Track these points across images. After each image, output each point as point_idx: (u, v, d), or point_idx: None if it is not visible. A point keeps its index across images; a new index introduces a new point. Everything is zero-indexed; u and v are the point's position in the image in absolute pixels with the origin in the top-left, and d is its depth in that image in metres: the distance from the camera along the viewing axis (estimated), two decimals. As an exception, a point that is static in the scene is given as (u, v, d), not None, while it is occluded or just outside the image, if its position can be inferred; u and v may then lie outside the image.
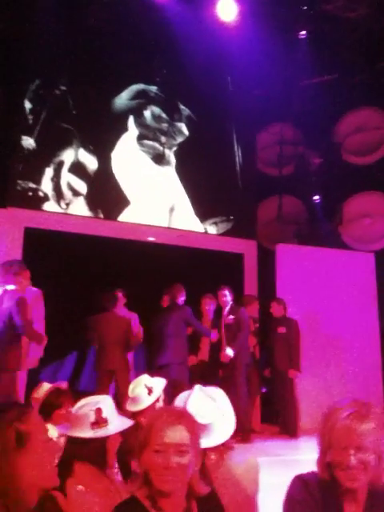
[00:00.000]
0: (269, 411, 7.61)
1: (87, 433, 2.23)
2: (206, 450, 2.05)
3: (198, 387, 2.25)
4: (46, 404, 3.36)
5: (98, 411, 2.27)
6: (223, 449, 2.13)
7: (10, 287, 4.94)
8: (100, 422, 2.25)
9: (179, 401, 2.24)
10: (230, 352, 6.41)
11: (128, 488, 1.70)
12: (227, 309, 6.71)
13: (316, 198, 9.65)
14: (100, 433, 2.23)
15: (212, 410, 2.17)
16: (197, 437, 1.70)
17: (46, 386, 3.52)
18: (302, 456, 5.80)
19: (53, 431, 3.08)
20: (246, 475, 2.11)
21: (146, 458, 1.66)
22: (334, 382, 7.71)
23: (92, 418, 2.25)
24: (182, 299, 6.65)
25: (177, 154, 8.82)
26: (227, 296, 6.73)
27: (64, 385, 3.80)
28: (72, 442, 2.28)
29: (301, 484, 1.77)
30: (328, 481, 1.73)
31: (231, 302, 6.76)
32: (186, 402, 2.17)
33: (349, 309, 8.13)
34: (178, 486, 1.64)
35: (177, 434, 1.65)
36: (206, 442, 2.07)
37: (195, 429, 1.71)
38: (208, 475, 2.03)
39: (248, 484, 2.10)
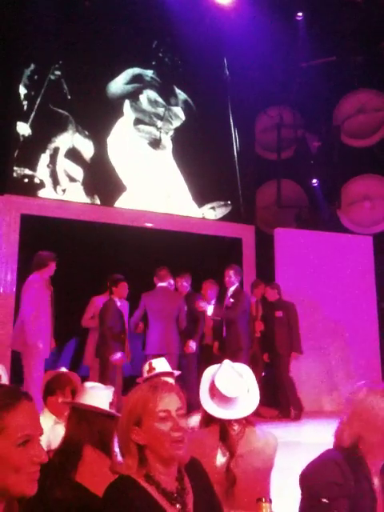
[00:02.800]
0: (269, 395, 7.63)
1: None
2: (230, 421, 2.19)
3: (226, 362, 2.34)
4: (45, 389, 3.30)
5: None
6: (245, 422, 2.23)
7: None
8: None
9: (207, 374, 2.33)
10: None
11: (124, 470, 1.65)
12: (230, 291, 6.64)
13: (314, 181, 9.58)
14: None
15: (239, 384, 2.25)
16: (185, 404, 1.73)
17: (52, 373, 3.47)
18: (303, 438, 5.83)
19: (48, 418, 3.08)
20: (263, 450, 2.20)
21: (148, 429, 1.65)
22: (333, 365, 7.73)
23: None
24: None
25: (173, 139, 8.76)
26: (231, 276, 6.62)
27: (64, 369, 3.77)
28: (78, 424, 2.30)
29: (333, 465, 1.79)
30: (356, 457, 1.81)
31: (236, 284, 6.67)
32: (214, 376, 2.27)
33: (347, 292, 8.13)
34: (185, 450, 1.67)
35: (175, 400, 1.69)
36: (231, 413, 2.20)
37: (183, 396, 1.74)
38: (232, 445, 2.15)
39: (264, 458, 2.19)
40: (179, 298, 6.39)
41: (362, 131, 9.57)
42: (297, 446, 5.15)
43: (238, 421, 2.22)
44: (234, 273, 6.63)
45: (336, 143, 9.55)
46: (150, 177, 8.43)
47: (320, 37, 9.06)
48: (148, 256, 7.56)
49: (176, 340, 6.18)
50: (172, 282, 6.59)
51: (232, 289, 6.64)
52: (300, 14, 9.06)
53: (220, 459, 2.16)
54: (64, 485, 2.17)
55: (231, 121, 9.08)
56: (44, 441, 2.73)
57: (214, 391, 2.25)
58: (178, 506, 1.64)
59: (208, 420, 2.29)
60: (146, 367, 3.48)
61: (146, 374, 3.44)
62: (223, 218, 8.89)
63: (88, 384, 2.47)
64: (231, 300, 6.59)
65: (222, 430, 2.20)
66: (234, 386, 2.24)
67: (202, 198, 8.78)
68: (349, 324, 8.07)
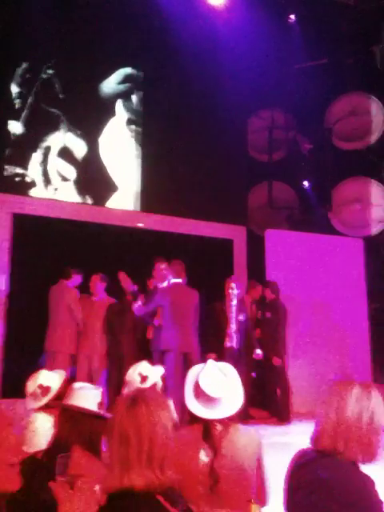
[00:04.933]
0: (259, 396, 7.64)
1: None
2: (213, 421, 2.20)
3: (210, 362, 2.35)
4: (62, 395, 2.96)
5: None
6: (228, 422, 2.23)
7: None
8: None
9: (192, 374, 2.34)
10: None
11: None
12: (235, 304, 6.49)
13: (306, 183, 9.63)
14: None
15: (222, 384, 2.26)
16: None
17: (52, 375, 3.26)
18: (293, 440, 5.83)
19: (46, 420, 3.05)
20: (247, 447, 2.21)
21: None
22: (323, 366, 7.75)
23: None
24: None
25: (165, 139, 8.74)
26: (233, 289, 6.49)
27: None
28: (66, 425, 2.30)
29: (356, 469, 1.72)
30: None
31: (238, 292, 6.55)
32: (198, 376, 2.28)
33: (338, 294, 8.17)
34: None
35: None
36: (215, 413, 2.21)
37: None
38: (215, 444, 2.16)
39: (248, 456, 2.20)
40: (195, 295, 6.24)
41: (354, 134, 9.61)
42: (286, 447, 5.16)
43: (221, 421, 2.23)
44: (236, 285, 6.54)
45: (327, 145, 9.60)
46: (142, 177, 8.42)
47: (312, 39, 9.10)
48: (139, 256, 7.55)
49: (196, 338, 6.09)
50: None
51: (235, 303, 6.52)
52: (292, 16, 9.08)
53: (203, 458, 2.17)
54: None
55: (223, 122, 9.07)
56: (42, 442, 2.73)
57: (198, 391, 2.26)
58: None
59: (192, 419, 2.30)
60: (137, 377, 3.26)
61: (138, 384, 3.24)
62: (215, 219, 8.89)
63: (76, 385, 2.47)
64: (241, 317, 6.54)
65: (205, 429, 2.21)
66: (217, 385, 2.25)
67: (194, 199, 8.77)
68: (339, 326, 8.10)
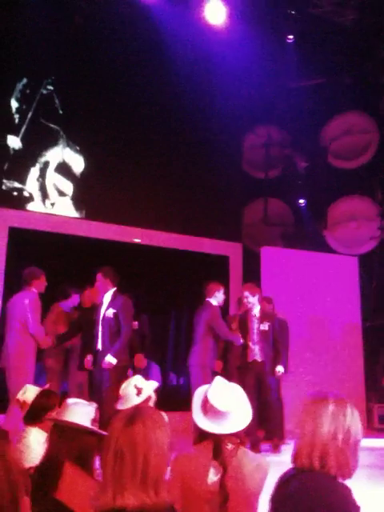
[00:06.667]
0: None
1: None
2: (224, 438, 2.18)
3: (218, 378, 2.35)
4: (38, 407, 3.20)
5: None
6: (239, 442, 2.22)
7: None
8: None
9: (200, 391, 2.35)
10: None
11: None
12: (256, 314, 6.19)
13: (301, 201, 9.71)
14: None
15: (231, 399, 2.26)
16: None
17: (32, 388, 3.34)
18: (286, 458, 5.76)
19: (39, 435, 3.06)
20: (254, 473, 2.19)
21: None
22: (317, 384, 7.74)
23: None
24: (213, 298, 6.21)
25: (162, 155, 8.81)
26: (248, 297, 6.13)
27: (48, 386, 3.74)
28: (59, 441, 2.30)
29: (332, 480, 1.72)
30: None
31: (258, 305, 6.20)
32: (206, 391, 2.28)
33: (332, 311, 8.20)
34: None
35: None
36: (224, 428, 2.19)
37: None
38: (225, 461, 2.14)
39: (255, 481, 2.18)
40: (203, 311, 6.15)
41: (349, 153, 9.70)
42: (279, 465, 5.12)
43: (231, 440, 2.21)
44: (249, 292, 6.15)
45: (322, 164, 9.69)
46: (139, 193, 8.47)
47: (309, 58, 9.22)
48: (135, 272, 7.58)
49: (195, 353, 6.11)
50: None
51: (257, 312, 6.21)
52: (291, 36, 9.21)
53: (212, 477, 2.15)
54: (44, 502, 2.17)
55: (219, 138, 9.16)
56: (35, 457, 2.72)
57: (206, 407, 2.26)
58: None
59: (201, 437, 2.29)
60: (133, 390, 3.30)
61: (136, 397, 3.26)
62: (211, 236, 8.94)
63: (70, 400, 2.48)
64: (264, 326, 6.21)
65: (216, 447, 2.19)
66: (226, 400, 2.25)
67: (190, 215, 8.83)
68: (334, 343, 8.12)
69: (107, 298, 5.62)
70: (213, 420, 2.22)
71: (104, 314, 5.55)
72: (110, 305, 5.55)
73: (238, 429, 2.23)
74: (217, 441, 2.20)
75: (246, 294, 6.11)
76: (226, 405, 2.23)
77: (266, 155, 9.92)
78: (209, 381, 2.43)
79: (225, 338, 6.11)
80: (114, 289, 5.66)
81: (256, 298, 6.11)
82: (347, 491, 1.69)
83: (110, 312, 5.52)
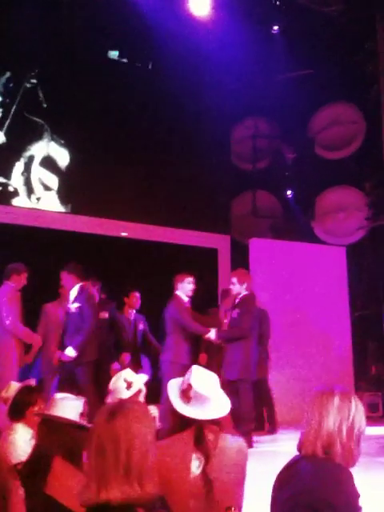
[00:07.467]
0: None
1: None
2: (204, 427, 2.16)
3: (195, 366, 2.35)
4: (18, 402, 3.21)
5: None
6: (218, 430, 2.21)
7: None
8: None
9: (176, 383, 2.33)
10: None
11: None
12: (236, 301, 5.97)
13: (289, 192, 9.71)
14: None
15: (211, 384, 2.28)
16: None
17: (14, 385, 3.38)
18: (279, 448, 5.81)
19: (25, 432, 3.03)
20: (235, 458, 2.19)
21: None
22: (307, 374, 7.77)
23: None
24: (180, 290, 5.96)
25: (149, 148, 8.76)
26: (235, 284, 5.92)
27: (33, 382, 3.72)
28: (47, 435, 2.29)
29: (334, 464, 1.79)
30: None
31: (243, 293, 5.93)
32: (188, 380, 2.27)
33: (321, 301, 8.22)
34: None
35: None
36: (208, 414, 2.18)
37: None
38: (207, 449, 2.13)
39: (236, 468, 2.19)
40: (169, 305, 5.97)
41: (336, 143, 9.71)
42: (273, 456, 5.14)
43: (211, 429, 2.19)
44: (237, 278, 5.94)
45: (310, 155, 9.69)
46: (126, 186, 8.42)
47: (296, 49, 9.20)
48: (123, 266, 7.54)
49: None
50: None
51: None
52: (276, 27, 9.18)
53: (194, 470, 2.11)
54: (34, 497, 2.16)
55: (207, 130, 9.12)
56: (21, 454, 2.70)
57: (188, 394, 2.24)
58: None
59: (181, 427, 2.24)
60: (123, 384, 3.25)
61: (126, 391, 3.20)
62: (199, 228, 8.92)
63: (58, 395, 2.45)
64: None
65: (197, 435, 2.16)
66: (208, 385, 2.25)
67: (178, 208, 8.79)
68: (322, 333, 8.15)
69: (73, 292, 5.65)
70: (196, 406, 2.21)
71: (69, 309, 5.60)
72: (75, 299, 5.59)
73: (221, 414, 2.23)
74: (198, 429, 2.18)
75: (234, 279, 5.96)
76: (208, 390, 2.23)
77: (253, 147, 9.90)
78: (178, 377, 2.42)
79: (190, 331, 5.84)
80: (80, 283, 5.69)
81: (243, 286, 5.93)
82: (350, 477, 1.78)
83: (74, 306, 5.55)
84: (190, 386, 2.25)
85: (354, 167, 9.50)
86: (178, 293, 5.94)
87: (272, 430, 6.68)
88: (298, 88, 9.54)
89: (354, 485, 1.76)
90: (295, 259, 8.30)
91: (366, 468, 4.54)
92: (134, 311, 6.76)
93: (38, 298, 6.72)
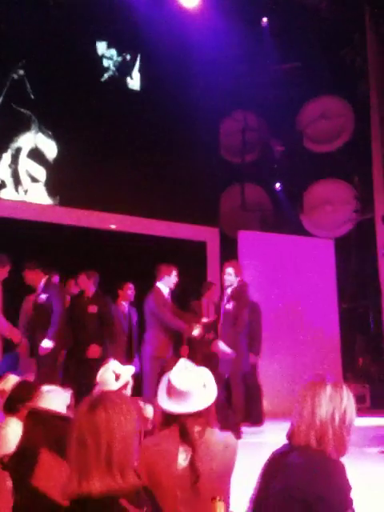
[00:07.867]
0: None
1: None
2: (189, 420, 2.17)
3: (182, 360, 2.36)
4: (13, 398, 3.12)
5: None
6: (205, 423, 2.22)
7: None
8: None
9: (166, 376, 2.34)
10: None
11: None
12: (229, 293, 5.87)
13: (278, 185, 9.72)
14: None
15: (192, 379, 2.26)
16: None
17: (12, 378, 3.31)
18: (266, 439, 5.84)
19: (17, 426, 3.02)
20: (223, 452, 2.19)
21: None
22: (295, 366, 7.82)
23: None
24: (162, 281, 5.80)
25: (138, 140, 8.72)
26: (231, 274, 5.83)
27: (31, 377, 3.70)
28: (34, 428, 2.30)
29: (326, 455, 1.79)
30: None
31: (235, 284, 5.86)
32: (172, 370, 2.29)
33: (309, 294, 8.26)
34: None
35: None
36: (185, 407, 2.19)
37: None
38: (193, 442, 2.13)
39: (224, 461, 2.18)
40: (149, 297, 5.81)
41: (325, 136, 9.73)
42: (260, 446, 5.17)
43: (197, 421, 2.20)
44: (233, 268, 5.86)
45: (299, 148, 9.71)
46: (114, 178, 8.38)
47: (284, 43, 9.21)
48: (111, 258, 7.51)
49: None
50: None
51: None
52: (265, 19, 9.17)
53: (181, 462, 2.13)
54: (21, 489, 2.15)
55: (196, 123, 9.09)
56: (9, 447, 2.69)
57: (170, 389, 2.26)
58: None
59: (167, 422, 2.27)
60: (111, 375, 3.25)
61: (114, 383, 3.19)
62: (188, 221, 8.90)
63: (45, 387, 2.45)
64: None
65: (182, 429, 2.18)
66: (187, 380, 2.25)
67: (166, 201, 8.77)
68: (311, 325, 8.20)
69: (41, 286, 5.85)
70: (175, 401, 2.22)
71: (37, 301, 5.80)
72: (42, 291, 5.80)
73: (199, 408, 2.22)
74: (182, 423, 2.19)
75: (230, 270, 5.85)
76: (186, 385, 2.23)
77: (242, 140, 9.89)
78: (157, 371, 2.45)
79: (170, 328, 5.65)
80: (46, 276, 5.87)
81: (237, 278, 5.90)
82: (342, 470, 1.78)
83: (42, 298, 5.76)
84: (169, 381, 2.26)
85: (343, 160, 9.53)
86: (158, 285, 5.78)
87: (258, 421, 6.71)
88: (287, 81, 9.56)
89: (346, 478, 1.77)
90: (284, 252, 8.33)
91: (355, 459, 4.59)
92: (128, 303, 6.73)
93: (23, 290, 6.69)
